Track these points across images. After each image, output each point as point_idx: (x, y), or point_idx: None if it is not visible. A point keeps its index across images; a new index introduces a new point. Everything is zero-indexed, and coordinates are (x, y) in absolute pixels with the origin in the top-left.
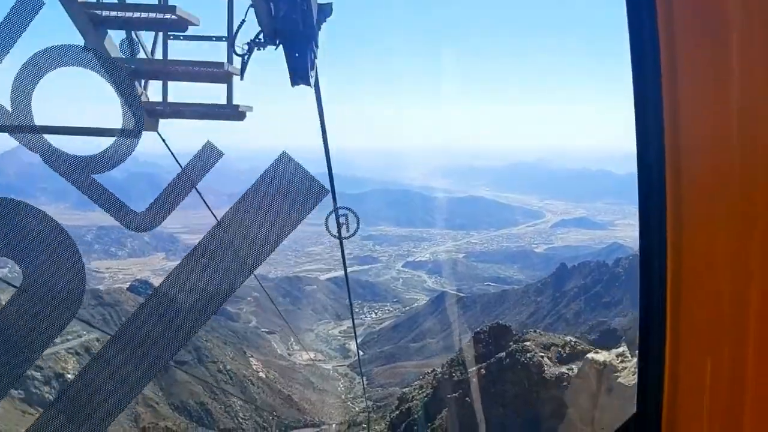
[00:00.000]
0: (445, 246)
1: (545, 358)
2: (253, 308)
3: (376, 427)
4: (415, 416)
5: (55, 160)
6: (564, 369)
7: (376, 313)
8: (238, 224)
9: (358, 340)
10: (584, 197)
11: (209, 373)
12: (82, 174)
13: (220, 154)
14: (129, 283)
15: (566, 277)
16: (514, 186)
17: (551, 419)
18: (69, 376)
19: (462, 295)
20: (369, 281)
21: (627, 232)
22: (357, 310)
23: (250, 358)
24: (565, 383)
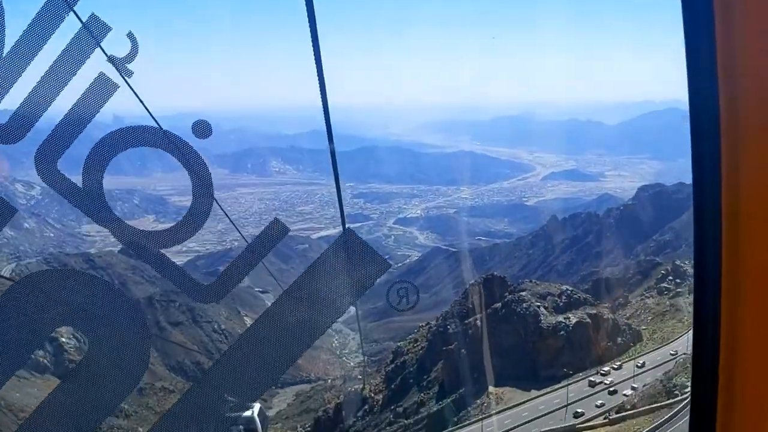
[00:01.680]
0: (435, 202)
1: (542, 308)
2: None
3: (371, 381)
4: (411, 369)
5: (124, 236)
6: (561, 318)
7: None
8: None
9: None
10: (574, 149)
11: (204, 333)
12: (153, 251)
13: (286, 231)
14: (120, 246)
15: (557, 229)
16: (503, 140)
17: (549, 368)
18: (63, 339)
19: (453, 250)
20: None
21: (617, 182)
22: None
23: (245, 317)
24: (562, 332)
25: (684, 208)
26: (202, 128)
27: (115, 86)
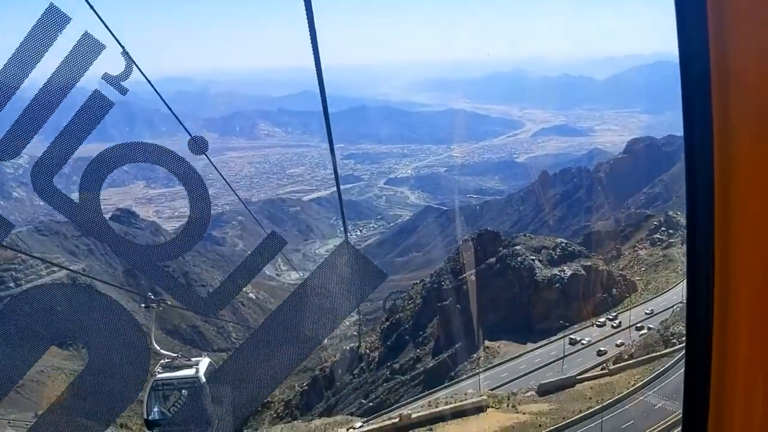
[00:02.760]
0: (426, 161)
1: (536, 261)
2: (239, 232)
3: (367, 339)
4: (406, 326)
5: (125, 252)
6: (556, 271)
7: (360, 231)
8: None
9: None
10: (564, 104)
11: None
12: (148, 263)
13: (284, 244)
14: (111, 213)
15: (548, 185)
16: (493, 97)
17: (544, 321)
18: (58, 308)
19: (445, 208)
20: (352, 200)
21: (607, 137)
22: (341, 228)
23: None
24: (557, 285)
25: (674, 161)
26: (198, 145)
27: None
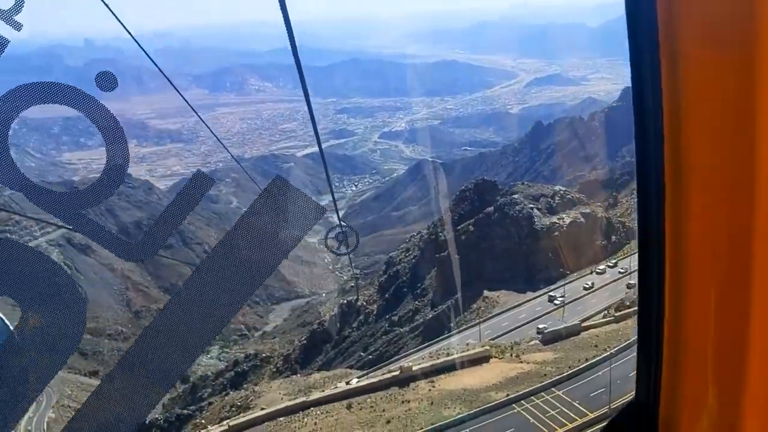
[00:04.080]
0: (420, 114)
1: (535, 210)
2: (233, 189)
3: (365, 292)
4: (404, 278)
5: (38, 197)
6: (555, 219)
7: (356, 186)
8: (237, 245)
9: (340, 213)
10: (557, 53)
11: (195, 254)
12: (68, 209)
13: (212, 183)
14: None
15: (542, 135)
16: (484, 47)
17: (544, 270)
18: None
19: (440, 161)
20: (346, 155)
21: (600, 85)
22: (336, 183)
23: None
24: (556, 233)
25: None
26: (106, 80)
27: None
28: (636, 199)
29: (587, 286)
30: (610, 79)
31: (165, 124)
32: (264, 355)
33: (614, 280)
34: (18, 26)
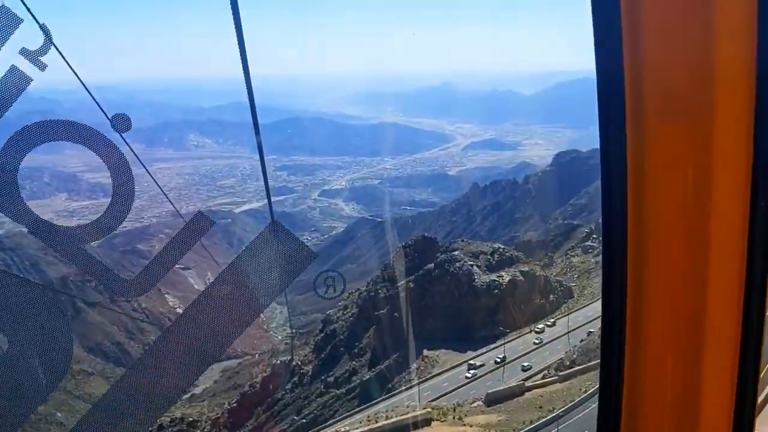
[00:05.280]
0: (360, 173)
1: (475, 267)
2: (165, 245)
3: (300, 352)
4: (341, 337)
5: (43, 234)
6: (494, 276)
7: None
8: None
9: None
10: (493, 119)
11: (123, 312)
12: (70, 244)
13: (211, 223)
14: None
15: (479, 197)
16: (425, 111)
17: (484, 328)
18: None
19: (379, 220)
20: (285, 212)
21: (534, 151)
22: None
23: (166, 295)
24: (496, 291)
25: (599, 174)
26: (121, 122)
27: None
28: (602, 257)
29: (527, 344)
30: (543, 144)
31: (98, 178)
32: (191, 419)
33: (553, 339)
34: (42, 66)
